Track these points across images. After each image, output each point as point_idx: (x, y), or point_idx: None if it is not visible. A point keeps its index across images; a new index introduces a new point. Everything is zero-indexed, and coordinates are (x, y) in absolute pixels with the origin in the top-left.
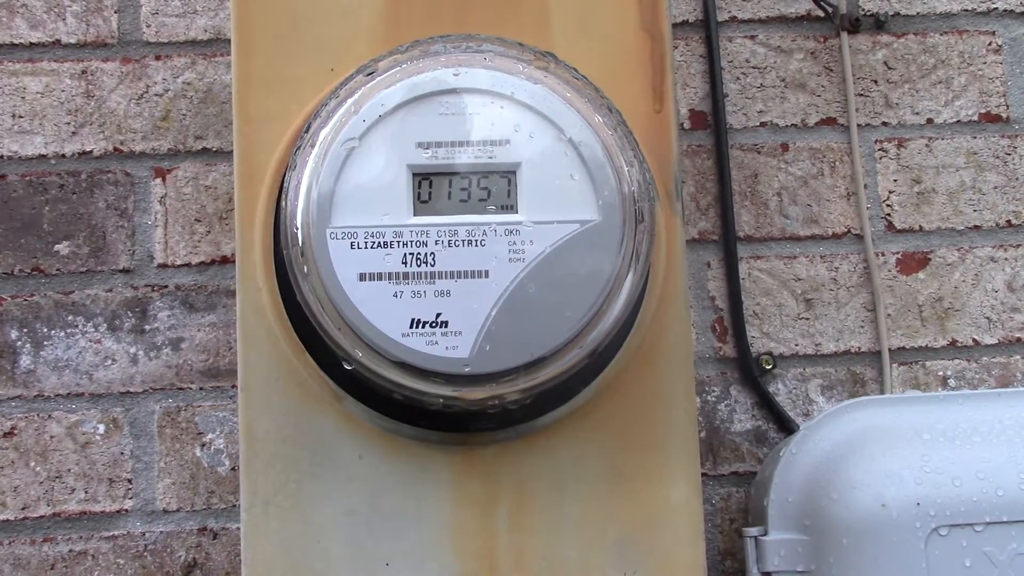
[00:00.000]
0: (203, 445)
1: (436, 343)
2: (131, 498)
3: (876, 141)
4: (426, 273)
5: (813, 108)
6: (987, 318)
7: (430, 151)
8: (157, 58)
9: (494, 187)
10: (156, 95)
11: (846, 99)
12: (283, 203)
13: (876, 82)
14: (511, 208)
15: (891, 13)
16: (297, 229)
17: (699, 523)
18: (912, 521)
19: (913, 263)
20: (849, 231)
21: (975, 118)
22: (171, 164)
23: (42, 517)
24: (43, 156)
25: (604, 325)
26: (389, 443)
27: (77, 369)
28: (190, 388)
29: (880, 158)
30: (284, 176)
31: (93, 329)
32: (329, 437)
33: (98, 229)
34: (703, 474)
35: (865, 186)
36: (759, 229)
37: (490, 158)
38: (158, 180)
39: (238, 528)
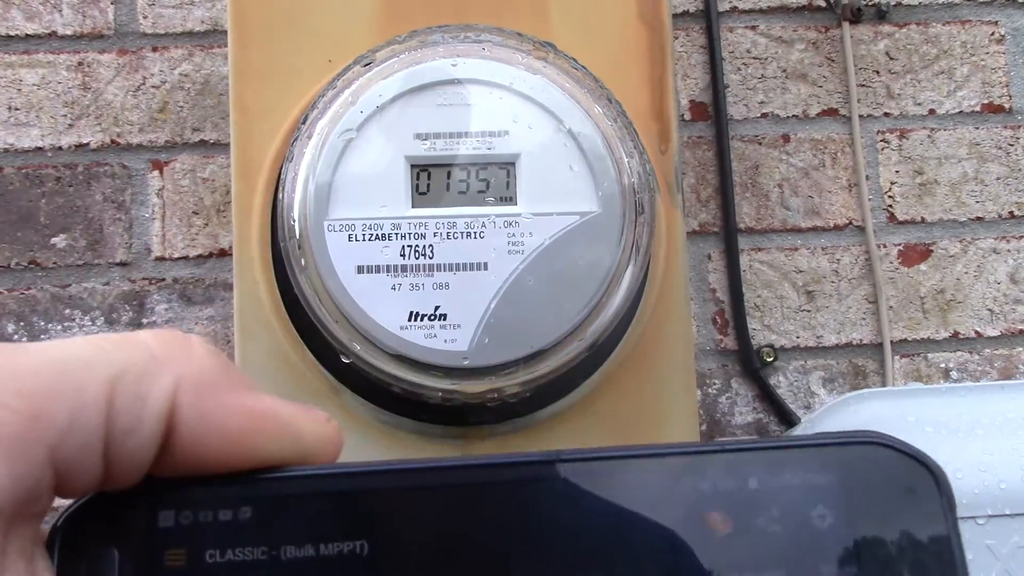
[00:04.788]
0: None
1: (435, 336)
2: None
3: (878, 132)
4: (424, 265)
5: (814, 99)
6: (989, 310)
7: (428, 142)
8: (154, 50)
9: (493, 178)
10: (153, 87)
11: (848, 90)
12: (280, 195)
13: (878, 72)
14: (510, 200)
15: (893, 3)
16: (294, 221)
17: None
18: None
19: (915, 255)
20: (851, 223)
21: (977, 109)
22: (168, 156)
23: None
24: (39, 149)
25: (604, 318)
26: (388, 437)
27: None
28: None
29: (882, 149)
30: (281, 168)
31: (90, 323)
32: None
33: (95, 222)
34: None
35: (867, 177)
36: (760, 221)
37: (489, 149)
38: (155, 172)
39: None
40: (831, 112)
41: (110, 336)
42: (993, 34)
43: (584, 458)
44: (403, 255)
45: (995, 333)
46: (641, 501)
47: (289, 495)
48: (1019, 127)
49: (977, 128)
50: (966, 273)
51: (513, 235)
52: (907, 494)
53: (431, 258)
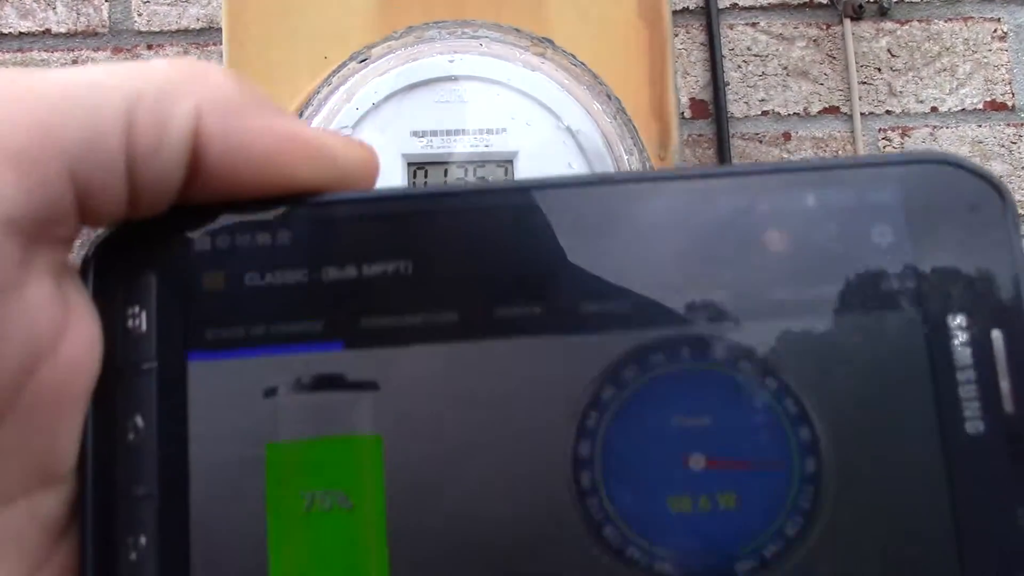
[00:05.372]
0: None
1: None
2: None
3: (880, 130)
4: None
5: (816, 96)
6: None
7: (425, 140)
8: (149, 48)
9: (491, 176)
10: None
11: (849, 87)
12: None
13: (880, 70)
14: None
15: (895, 0)
16: None
17: None
18: None
19: None
20: None
21: (980, 106)
22: None
23: None
24: None
25: None
26: None
27: None
28: None
29: (884, 147)
30: None
31: None
32: None
33: None
34: None
35: None
36: None
37: (486, 147)
38: None
39: None
40: (832, 110)
41: (122, 64)
42: (996, 31)
43: (635, 179)
44: None
45: None
46: (692, 222)
47: (329, 217)
48: (1022, 125)
49: (980, 126)
50: None
51: None
52: (971, 212)
53: None
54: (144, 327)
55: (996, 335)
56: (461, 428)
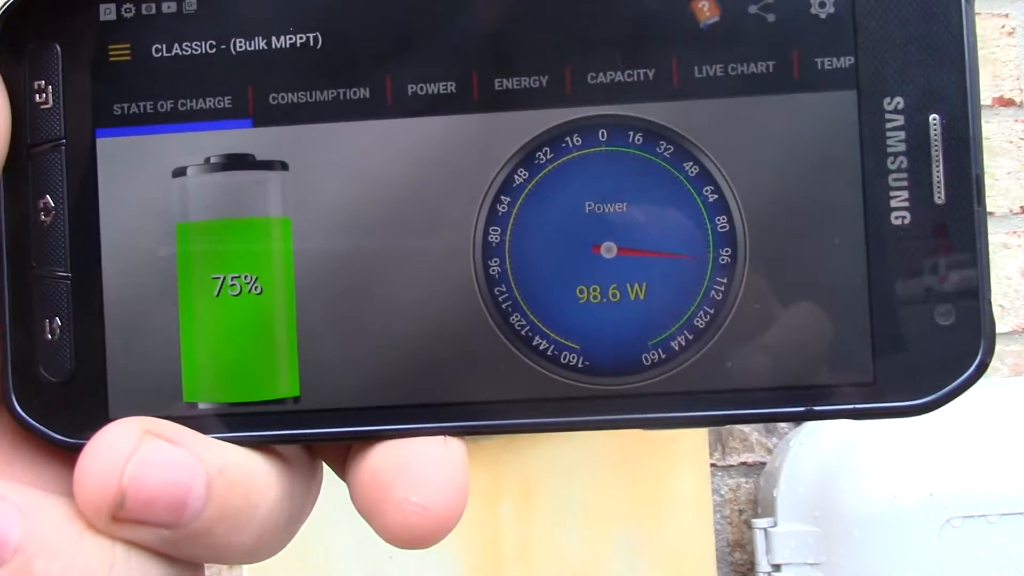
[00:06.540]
0: None
1: None
2: None
3: None
4: None
5: None
6: (1000, 306)
7: None
8: None
9: None
10: None
11: None
12: None
13: None
14: None
15: None
16: None
17: (708, 514)
18: (925, 512)
19: None
20: None
21: (988, 102)
22: None
23: None
24: None
25: None
26: None
27: None
28: None
29: None
30: None
31: None
32: None
33: None
34: (711, 464)
35: None
36: None
37: None
38: None
39: None
40: None
41: None
42: (1004, 27)
43: None
44: None
45: (1006, 329)
46: None
47: None
48: None
49: (987, 122)
50: None
51: None
52: None
53: None
54: (51, 102)
55: (934, 120)
56: (370, 211)
